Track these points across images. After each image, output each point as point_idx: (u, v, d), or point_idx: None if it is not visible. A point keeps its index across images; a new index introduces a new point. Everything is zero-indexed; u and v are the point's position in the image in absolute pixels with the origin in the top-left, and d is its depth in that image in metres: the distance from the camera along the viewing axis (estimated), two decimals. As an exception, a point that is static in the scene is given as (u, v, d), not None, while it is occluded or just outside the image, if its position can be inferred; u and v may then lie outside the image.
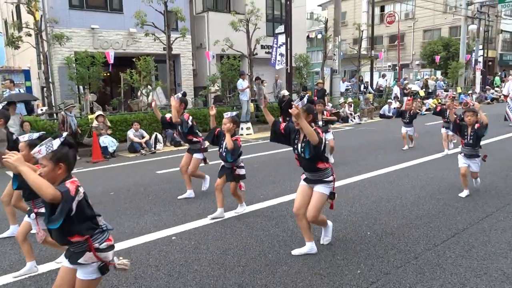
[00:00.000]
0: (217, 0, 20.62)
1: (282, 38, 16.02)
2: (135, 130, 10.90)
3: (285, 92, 13.08)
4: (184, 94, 6.03)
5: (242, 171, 5.05)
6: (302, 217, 3.85)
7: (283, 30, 16.07)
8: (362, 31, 21.94)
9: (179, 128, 5.86)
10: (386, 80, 22.64)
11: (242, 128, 13.72)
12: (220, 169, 5.13)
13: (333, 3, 21.22)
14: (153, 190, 6.54)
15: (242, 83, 13.86)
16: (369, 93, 20.26)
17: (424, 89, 22.52)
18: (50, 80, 12.32)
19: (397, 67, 25.30)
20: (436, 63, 27.39)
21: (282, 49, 16.01)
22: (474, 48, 26.88)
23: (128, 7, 15.78)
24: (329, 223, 4.16)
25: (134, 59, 13.39)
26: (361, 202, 5.51)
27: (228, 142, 4.80)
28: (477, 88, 25.35)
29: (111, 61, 13.32)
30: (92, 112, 12.76)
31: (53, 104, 12.39)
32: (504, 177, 6.59)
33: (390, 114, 15.87)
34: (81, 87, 13.14)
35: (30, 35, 12.16)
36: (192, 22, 18.85)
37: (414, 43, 36.50)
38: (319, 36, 27.22)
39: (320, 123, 7.66)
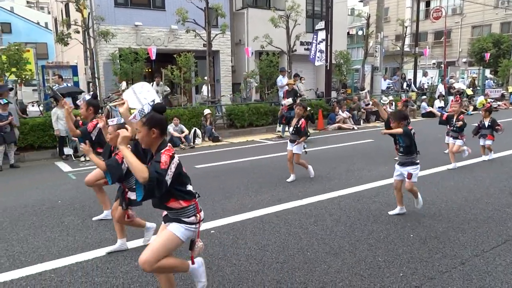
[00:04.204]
0: (257, -3, 20.64)
1: (322, 35, 15.76)
2: (175, 125, 11.11)
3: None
4: (95, 96, 4.78)
5: (134, 196, 3.62)
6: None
7: (323, 26, 15.82)
8: (406, 27, 21.24)
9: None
10: (431, 77, 21.77)
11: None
12: (118, 189, 4.06)
13: (376, -1, 20.65)
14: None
15: (282, 80, 13.78)
16: (412, 91, 19.57)
17: (471, 88, 21.48)
18: (95, 75, 12.81)
19: (443, 65, 24.22)
20: (485, 61, 26.04)
21: (322, 46, 15.76)
22: (528, 45, 25.35)
23: (170, 4, 16.12)
24: None
25: (175, 55, 13.66)
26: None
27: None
28: (530, 88, 23.84)
29: (153, 57, 13.66)
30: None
31: (98, 98, 12.88)
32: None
33: (428, 110, 13.62)
34: (124, 82, 13.58)
35: (78, 32, 12.71)
36: (232, 19, 18.97)
37: (462, 39, 34.90)
38: (360, 32, 26.60)
39: (291, 129, 6.63)
